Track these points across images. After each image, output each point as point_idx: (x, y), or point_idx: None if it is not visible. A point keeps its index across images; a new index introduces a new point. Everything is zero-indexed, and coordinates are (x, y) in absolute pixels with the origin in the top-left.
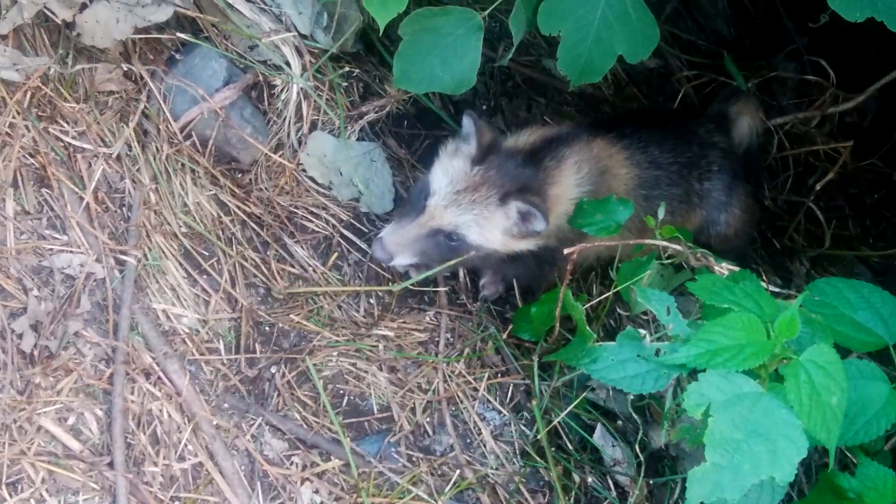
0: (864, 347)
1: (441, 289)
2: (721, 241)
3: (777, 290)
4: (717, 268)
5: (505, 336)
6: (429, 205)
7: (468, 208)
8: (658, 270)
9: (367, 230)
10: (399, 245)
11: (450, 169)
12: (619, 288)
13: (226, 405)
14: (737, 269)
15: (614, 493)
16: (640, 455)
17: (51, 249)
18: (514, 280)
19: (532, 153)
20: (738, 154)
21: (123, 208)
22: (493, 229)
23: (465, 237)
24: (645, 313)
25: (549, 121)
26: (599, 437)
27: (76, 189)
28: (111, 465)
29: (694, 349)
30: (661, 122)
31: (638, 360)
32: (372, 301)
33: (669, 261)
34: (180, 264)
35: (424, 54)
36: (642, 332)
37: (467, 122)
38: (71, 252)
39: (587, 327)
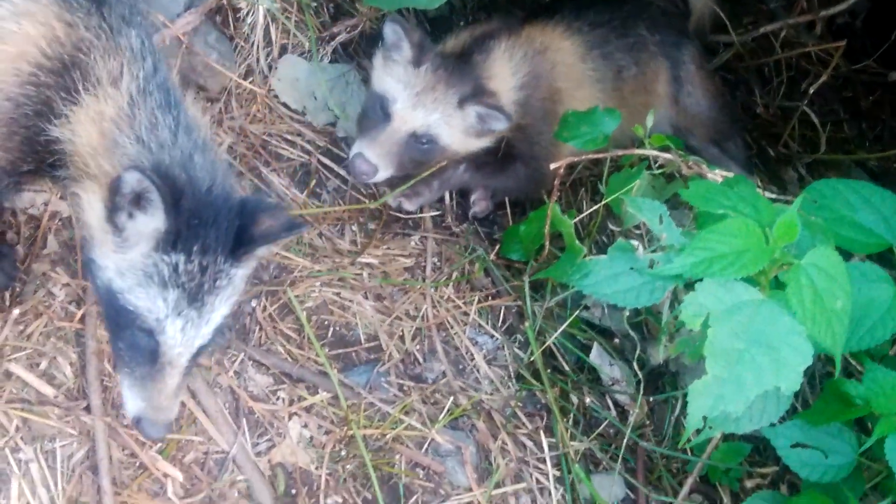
0: (866, 249)
1: (426, 214)
2: (698, 115)
3: (774, 196)
4: (710, 174)
5: (493, 257)
6: (395, 111)
7: (433, 108)
8: (649, 181)
9: (345, 156)
10: (379, 156)
11: (396, 75)
12: (609, 199)
13: None
14: (731, 174)
15: (614, 413)
16: (638, 373)
17: None
18: (505, 194)
19: (462, 54)
20: (681, 14)
21: None
22: (455, 129)
23: (437, 138)
24: (637, 227)
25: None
26: (596, 356)
27: None
28: (88, 409)
29: (690, 258)
30: None
31: (631, 273)
32: (354, 229)
33: (660, 170)
34: None
35: None
36: (635, 243)
37: (392, 29)
38: (33, 191)
39: (576, 241)
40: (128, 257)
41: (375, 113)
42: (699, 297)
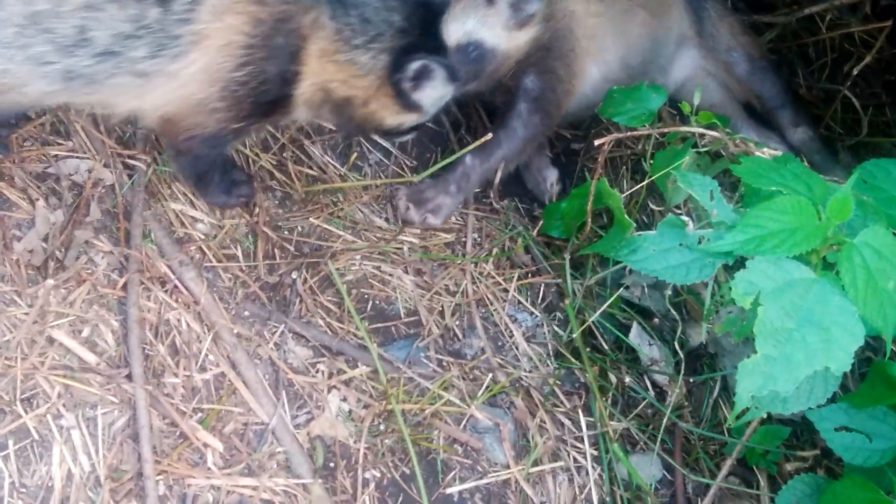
0: None
1: None
2: (743, 65)
3: (827, 178)
4: (758, 152)
5: (534, 234)
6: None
7: (465, 15)
8: (694, 159)
9: None
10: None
11: None
12: (655, 177)
13: (246, 313)
14: (780, 152)
15: (652, 393)
16: (678, 353)
17: (56, 155)
18: (520, 153)
19: None
20: None
21: None
22: (495, 27)
23: (482, 42)
24: (679, 207)
25: None
26: (635, 336)
27: None
28: (129, 377)
29: (741, 235)
30: None
31: (681, 249)
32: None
33: (706, 149)
34: None
35: None
36: (685, 219)
37: None
38: (78, 157)
39: (625, 216)
40: (432, 111)
41: None
42: (750, 274)
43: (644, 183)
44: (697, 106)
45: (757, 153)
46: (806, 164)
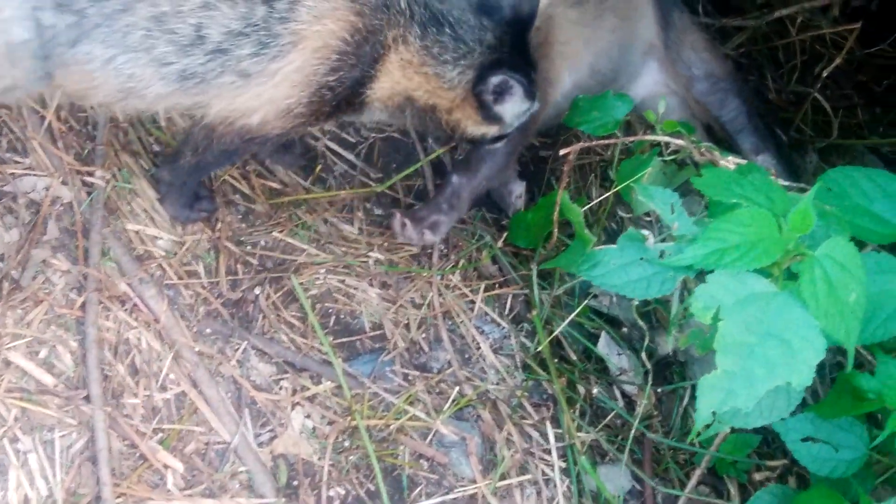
0: (881, 239)
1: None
2: (703, 83)
3: (787, 183)
4: (723, 161)
5: (501, 244)
6: None
7: None
8: (660, 168)
9: (353, 140)
10: None
11: None
12: (619, 188)
13: (208, 330)
14: (744, 162)
15: (621, 403)
16: (647, 363)
17: (13, 174)
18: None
19: None
20: None
21: (88, 127)
22: None
23: None
24: (648, 215)
25: None
26: (604, 345)
27: (36, 108)
28: (88, 398)
29: (702, 248)
30: None
31: (642, 263)
32: (361, 215)
33: (672, 157)
34: (153, 185)
35: None
36: (645, 233)
37: None
38: (35, 175)
39: (586, 230)
40: (512, 123)
41: None
42: (710, 288)
43: (610, 193)
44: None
45: (722, 163)
46: None
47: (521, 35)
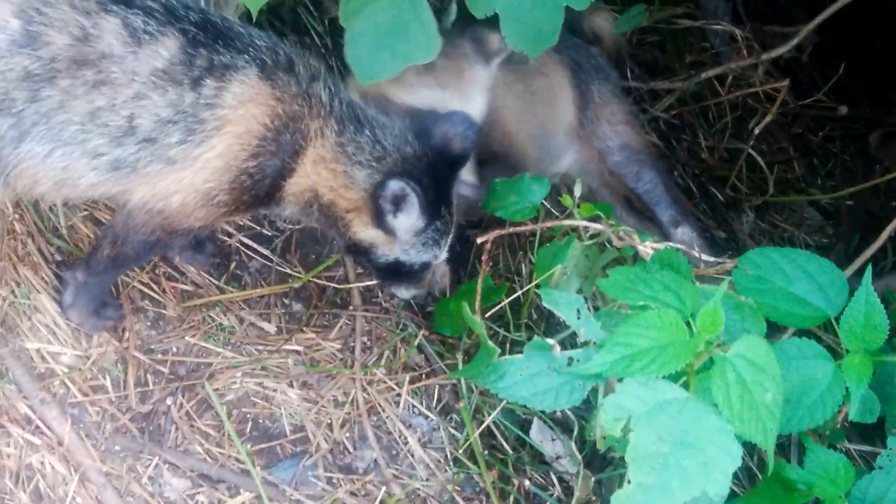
0: (803, 323)
1: (354, 286)
2: (617, 155)
3: (712, 259)
4: (641, 246)
5: (426, 333)
6: None
7: None
8: (581, 251)
9: (269, 234)
10: None
11: None
12: (539, 280)
13: (117, 447)
14: (662, 246)
15: (559, 490)
16: (577, 454)
17: None
18: None
19: None
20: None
21: None
22: None
23: None
24: None
25: None
26: (537, 432)
27: None
28: None
29: (609, 355)
30: None
31: (549, 373)
32: (279, 312)
33: (592, 241)
34: (55, 298)
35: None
36: (551, 341)
37: None
38: None
39: (489, 342)
40: (404, 241)
41: None
42: (619, 399)
43: (531, 286)
44: (580, 197)
45: (640, 246)
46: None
47: (444, 167)
